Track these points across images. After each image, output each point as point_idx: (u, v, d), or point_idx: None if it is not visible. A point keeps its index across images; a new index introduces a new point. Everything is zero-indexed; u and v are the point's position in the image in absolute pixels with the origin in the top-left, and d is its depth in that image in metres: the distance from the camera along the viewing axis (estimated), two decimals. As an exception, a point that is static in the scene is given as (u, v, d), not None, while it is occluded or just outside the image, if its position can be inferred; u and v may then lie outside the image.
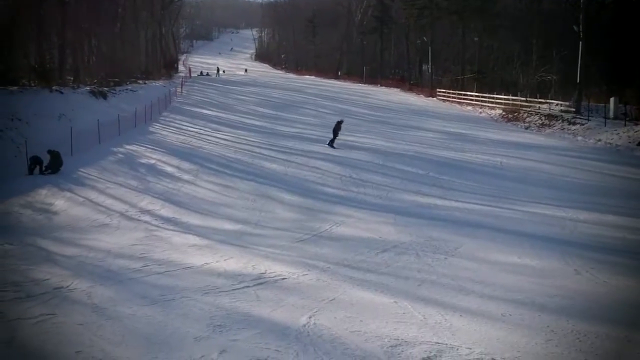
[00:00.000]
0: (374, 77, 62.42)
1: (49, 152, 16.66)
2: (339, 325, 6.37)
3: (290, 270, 8.77)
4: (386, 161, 20.83)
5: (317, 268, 9.02)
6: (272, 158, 19.84)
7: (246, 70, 61.87)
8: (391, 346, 5.71)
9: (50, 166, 16.47)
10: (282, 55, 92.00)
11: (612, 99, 36.90)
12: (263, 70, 74.26)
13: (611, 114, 35.27)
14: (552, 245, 11.03)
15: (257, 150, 21.11)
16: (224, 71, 65.00)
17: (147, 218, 12.51)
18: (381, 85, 58.38)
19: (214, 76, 59.09)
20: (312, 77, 66.67)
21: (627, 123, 32.69)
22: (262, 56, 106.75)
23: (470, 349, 5.64)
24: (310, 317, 6.59)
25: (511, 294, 7.86)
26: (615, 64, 42.98)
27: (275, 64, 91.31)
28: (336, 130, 22.56)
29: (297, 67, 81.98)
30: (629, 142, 29.96)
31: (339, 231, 11.89)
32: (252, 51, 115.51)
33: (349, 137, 25.68)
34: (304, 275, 8.60)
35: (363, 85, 58.65)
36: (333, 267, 9.14)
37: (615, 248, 11.04)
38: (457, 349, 5.62)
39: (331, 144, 22.08)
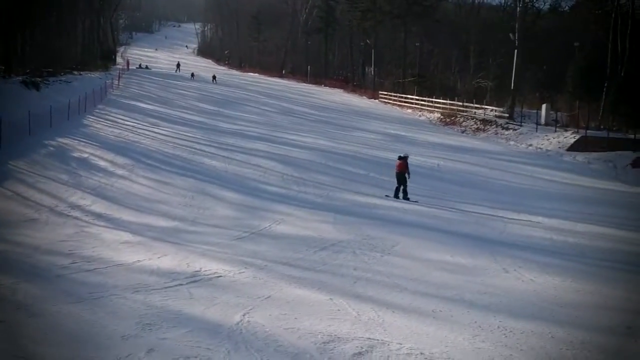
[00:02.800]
0: (318, 77, 62.64)
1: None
2: (273, 322, 6.34)
3: (227, 268, 8.66)
4: (328, 160, 20.95)
5: (254, 266, 8.94)
6: (212, 155, 19.56)
7: (178, 64, 59.18)
8: (324, 342, 5.73)
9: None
10: (226, 52, 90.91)
11: (543, 106, 38.53)
12: (205, 66, 73.05)
13: (542, 120, 36.83)
14: (483, 244, 11.40)
15: (197, 146, 20.75)
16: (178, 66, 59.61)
17: (77, 214, 12.05)
18: (325, 86, 58.65)
19: (174, 72, 55.67)
20: (256, 74, 66.15)
21: (557, 129, 34.21)
22: (204, 51, 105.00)
23: (401, 344, 5.73)
24: (244, 315, 6.52)
25: (442, 290, 8.06)
26: (547, 72, 44.92)
27: (218, 59, 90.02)
28: (403, 173, 16.10)
29: (241, 64, 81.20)
30: (559, 147, 31.37)
31: (279, 229, 11.85)
32: (195, 46, 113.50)
33: (291, 136, 25.69)
34: (240, 273, 8.51)
35: (307, 84, 58.77)
36: (270, 265, 9.10)
37: (543, 248, 11.53)
38: (388, 344, 5.71)
39: (400, 194, 15.99)
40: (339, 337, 5.88)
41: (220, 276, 8.23)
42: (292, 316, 6.56)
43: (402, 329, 6.30)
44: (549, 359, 5.61)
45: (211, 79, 48.64)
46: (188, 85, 43.79)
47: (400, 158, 16.59)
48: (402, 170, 16.19)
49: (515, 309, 7.29)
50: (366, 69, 61.59)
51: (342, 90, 55.55)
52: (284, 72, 68.93)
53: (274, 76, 64.81)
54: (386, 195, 15.75)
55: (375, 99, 50.89)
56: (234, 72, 64.21)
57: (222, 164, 18.34)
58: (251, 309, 6.75)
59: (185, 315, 6.54)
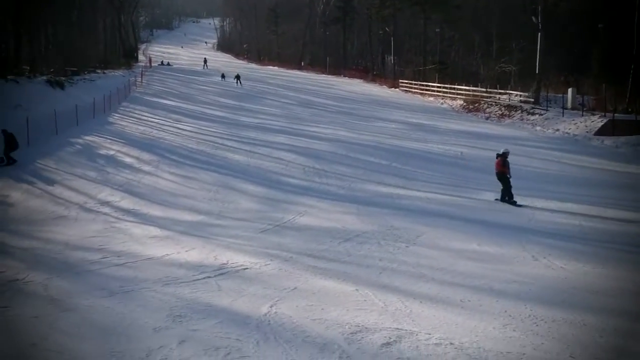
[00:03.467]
0: (337, 67, 62.44)
1: (3, 132, 16.11)
2: (300, 313, 6.37)
3: (253, 260, 8.72)
4: (349, 152, 20.89)
5: (279, 258, 8.99)
6: (235, 149, 19.66)
7: (205, 60, 59.36)
8: (351, 333, 5.73)
9: (6, 147, 15.96)
10: (245, 45, 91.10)
11: (569, 90, 37.80)
12: (226, 61, 73.33)
13: (569, 104, 36.15)
14: (510, 232, 11.27)
15: (220, 141, 20.88)
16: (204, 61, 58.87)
17: (106, 210, 12.24)
18: (344, 76, 58.45)
19: (202, 68, 55.60)
20: (275, 67, 66.21)
21: (584, 113, 33.56)
22: (224, 46, 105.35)
23: (430, 334, 5.71)
24: (271, 306, 6.56)
25: (470, 280, 8.00)
26: (572, 55, 44.04)
27: (237, 54, 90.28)
28: (504, 173, 14.39)
29: (260, 57, 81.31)
30: (586, 132, 30.78)
31: (302, 221, 11.87)
32: (214, 41, 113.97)
33: (312, 128, 25.69)
34: (266, 265, 8.56)
35: (326, 75, 58.62)
36: (295, 256, 9.13)
37: (572, 235, 11.35)
38: (417, 335, 5.68)
39: (507, 198, 14.32)
40: (366, 328, 5.88)
41: (247, 268, 8.29)
42: (318, 307, 6.57)
43: (430, 319, 6.27)
44: (581, 346, 5.53)
45: (235, 80, 41.73)
46: (209, 80, 44.00)
47: (498, 156, 14.72)
48: (502, 170, 14.35)
49: (546, 297, 7.20)
50: (386, 58, 61.15)
51: (361, 80, 55.29)
52: (302, 64, 68.84)
53: (293, 68, 64.82)
54: (495, 199, 14.26)
55: (395, 88, 50.52)
56: (253, 65, 64.38)
57: (245, 157, 18.43)
58: (278, 301, 6.79)
59: (215, 307, 6.61)
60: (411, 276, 8.25)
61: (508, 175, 14.41)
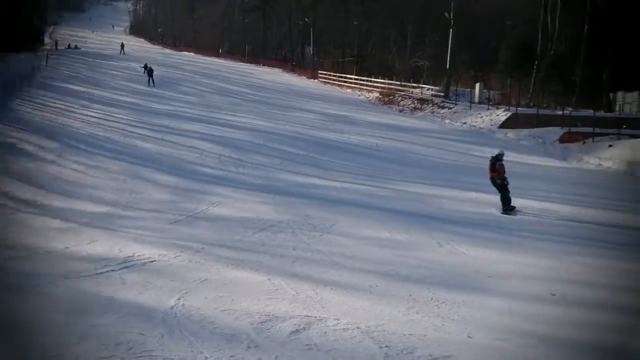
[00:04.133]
0: (256, 56, 61.86)
1: None
2: (209, 305, 6.27)
3: (161, 252, 8.48)
4: (267, 141, 20.79)
5: (190, 249, 8.80)
6: (146, 137, 19.02)
7: (123, 45, 56.58)
8: (261, 322, 5.72)
9: None
10: (159, 30, 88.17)
11: (477, 85, 39.58)
12: (138, 45, 70.66)
13: (476, 98, 37.85)
14: (419, 220, 11.66)
15: (129, 128, 20.12)
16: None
17: (2, 200, 11.48)
18: (263, 65, 58.01)
19: (119, 53, 52.54)
20: (192, 53, 64.45)
21: (490, 107, 35.26)
22: (137, 30, 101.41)
23: (338, 319, 5.80)
24: (179, 299, 6.42)
25: (379, 266, 8.21)
26: (481, 51, 46.06)
27: (151, 38, 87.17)
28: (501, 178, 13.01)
29: (175, 42, 79.02)
30: (491, 125, 32.36)
31: (216, 212, 11.70)
32: (127, 24, 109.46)
33: (228, 117, 25.33)
34: (175, 257, 8.36)
35: (245, 64, 57.91)
36: (207, 247, 8.98)
37: (475, 222, 11.90)
38: (326, 321, 5.76)
39: (507, 207, 12.87)
40: (276, 317, 5.89)
41: (155, 261, 8.06)
42: (229, 298, 6.51)
43: (340, 306, 6.37)
44: (478, 326, 5.81)
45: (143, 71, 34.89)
46: (119, 65, 42.24)
47: (498, 159, 13.23)
48: (498, 175, 12.95)
49: (448, 281, 7.51)
50: (305, 49, 61.28)
51: (281, 70, 55.12)
52: (220, 51, 67.58)
53: (210, 55, 63.42)
54: (504, 213, 12.68)
55: (314, 78, 50.76)
56: (168, 51, 62.43)
57: (157, 146, 17.88)
58: (186, 293, 6.66)
59: (118, 301, 6.37)
60: (324, 264, 8.34)
61: (504, 181, 12.96)
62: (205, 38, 73.50)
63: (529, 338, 5.55)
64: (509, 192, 12.90)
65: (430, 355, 4.98)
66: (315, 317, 5.90)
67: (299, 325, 5.65)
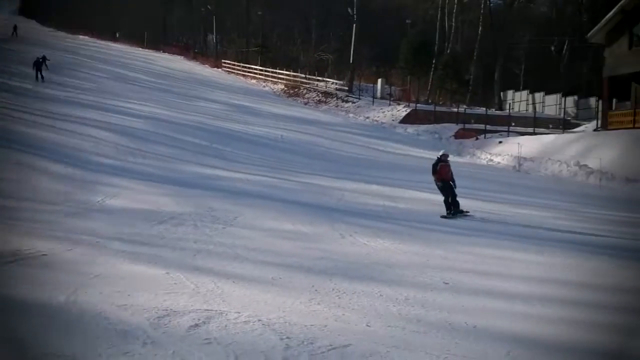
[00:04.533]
0: (157, 42, 59.67)
1: None
2: (104, 300, 5.99)
3: (52, 246, 7.99)
4: (168, 131, 20.23)
5: (84, 243, 8.36)
6: (35, 124, 17.82)
7: (15, 27, 51.63)
8: (158, 317, 5.55)
9: None
10: (52, 12, 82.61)
11: (379, 80, 40.71)
12: (29, 27, 65.87)
13: (378, 94, 38.96)
14: (322, 212, 11.83)
15: (17, 114, 18.76)
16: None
17: None
18: (164, 52, 56.16)
19: (11, 35, 47.77)
20: (86, 37, 61.04)
21: (391, 103, 36.44)
22: (28, 11, 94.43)
23: (239, 312, 5.75)
24: (70, 295, 6.07)
25: (282, 258, 8.23)
26: (383, 47, 47.37)
27: (43, 20, 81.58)
28: (448, 181, 12.38)
29: (70, 25, 74.36)
30: (392, 120, 33.48)
31: (113, 203, 11.21)
32: (16, 5, 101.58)
33: (126, 104, 24.32)
34: (68, 251, 7.90)
35: (144, 50, 55.71)
36: (103, 241, 8.58)
37: (377, 214, 12.27)
38: (226, 314, 5.69)
39: (453, 210, 12.20)
40: (174, 311, 5.73)
41: (45, 255, 7.57)
42: (124, 293, 6.25)
43: (241, 298, 6.32)
44: (377, 315, 5.99)
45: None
46: (4, 47, 39.18)
47: (440, 160, 12.53)
48: (446, 178, 12.31)
49: (350, 272, 7.68)
50: (208, 36, 60.02)
51: (182, 57, 53.67)
52: (117, 35, 64.46)
53: (106, 40, 60.33)
54: (442, 216, 12.08)
55: (218, 67, 49.92)
56: (61, 34, 58.73)
57: (47, 133, 16.82)
58: (79, 288, 6.31)
59: (3, 299, 5.91)
60: (226, 257, 8.23)
61: (446, 184, 12.35)
62: (101, 21, 69.71)
63: (423, 325, 5.79)
64: (450, 196, 12.15)
65: (330, 345, 5.06)
66: (216, 310, 5.81)
67: (198, 319, 5.54)
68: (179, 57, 53.70)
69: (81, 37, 60.32)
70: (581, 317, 6.29)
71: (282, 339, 5.13)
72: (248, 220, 10.71)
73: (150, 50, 55.79)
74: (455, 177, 12.44)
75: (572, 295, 7.13)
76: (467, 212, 12.26)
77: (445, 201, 12.31)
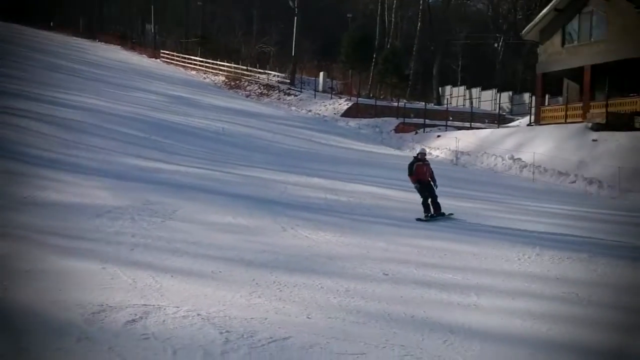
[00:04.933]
0: (93, 31, 57.57)
1: None
2: (35, 297, 5.75)
3: (-23, 241, 7.59)
4: (103, 122, 19.58)
5: (12, 237, 7.99)
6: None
7: None
8: (93, 313, 5.37)
9: None
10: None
11: (321, 74, 40.81)
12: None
13: (320, 87, 39.08)
14: (264, 205, 11.77)
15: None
16: None
17: None
18: (100, 41, 54.27)
19: None
20: (15, 25, 58.13)
21: (333, 96, 36.63)
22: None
23: (178, 307, 5.65)
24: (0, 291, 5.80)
25: (223, 252, 8.14)
26: (324, 41, 47.54)
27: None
28: (415, 178, 11.78)
29: (1, 13, 70.58)
30: (334, 114, 33.67)
31: (45, 196, 10.74)
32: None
33: (59, 94, 23.36)
34: (-8, 247, 7.53)
35: (79, 39, 53.64)
36: (33, 235, 8.22)
37: (318, 207, 12.32)
38: (165, 309, 5.58)
39: (433, 213, 11.56)
40: (110, 307, 5.57)
41: (-31, 251, 7.20)
42: (58, 288, 6.02)
43: (180, 293, 6.21)
44: (318, 307, 6.02)
45: None
46: None
47: (417, 159, 11.90)
48: (423, 179, 11.67)
49: (291, 265, 7.68)
50: (146, 26, 58.45)
51: (120, 47, 52.05)
52: (52, 24, 61.78)
53: (39, 28, 57.70)
54: (418, 219, 11.44)
55: (156, 58, 48.77)
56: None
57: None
58: (7, 285, 6.03)
59: None
60: (164, 251, 8.06)
61: (434, 184, 11.73)
62: (32, 8, 66.50)
63: (363, 315, 5.87)
64: (430, 197, 11.54)
65: (271, 338, 5.05)
66: (154, 305, 5.69)
67: (136, 314, 5.40)
68: (115, 46, 52.08)
69: (15, 25, 57.40)
70: (513, 306, 6.54)
71: (221, 333, 5.08)
72: (188, 213, 10.52)
73: (86, 40, 53.80)
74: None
75: (505, 285, 7.40)
76: (450, 214, 11.59)
77: (424, 203, 11.53)
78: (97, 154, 15.23)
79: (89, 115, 20.01)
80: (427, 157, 12.96)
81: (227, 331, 5.12)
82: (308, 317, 5.68)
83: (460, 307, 6.40)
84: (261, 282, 6.78)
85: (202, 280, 6.77)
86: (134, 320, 5.28)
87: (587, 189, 19.23)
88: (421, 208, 11.61)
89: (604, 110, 24.14)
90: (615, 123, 22.64)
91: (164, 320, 5.33)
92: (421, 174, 11.70)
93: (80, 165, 13.75)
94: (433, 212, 11.52)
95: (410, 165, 11.86)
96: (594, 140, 22.06)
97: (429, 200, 11.54)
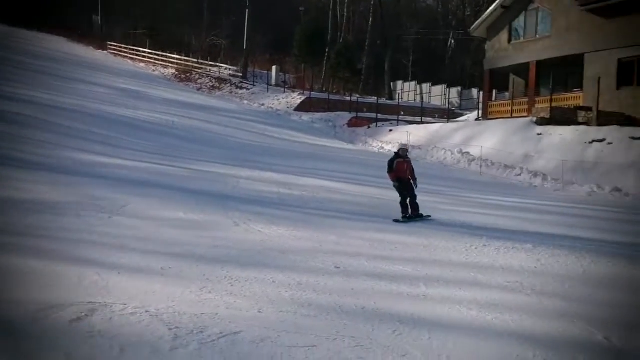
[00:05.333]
0: (36, 23, 55.37)
1: None
2: (-28, 298, 5.52)
3: None
4: (46, 115, 18.95)
5: (-51, 236, 7.64)
6: None
7: None
8: (37, 311, 5.19)
9: None
10: None
11: (273, 67, 40.64)
12: None
13: (273, 81, 38.91)
14: (216, 200, 11.63)
15: None
16: None
17: None
18: (43, 32, 52.36)
19: None
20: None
21: (286, 90, 36.54)
22: None
23: (125, 304, 5.53)
24: None
25: (173, 248, 8.00)
26: (277, 34, 47.29)
27: None
28: (395, 175, 11.25)
29: None
30: (287, 108, 33.60)
31: (-18, 193, 10.29)
32: None
33: None
34: None
35: (20, 29, 51.57)
36: (-29, 233, 7.87)
37: (271, 201, 12.28)
38: (111, 306, 5.44)
39: (411, 213, 11.09)
40: (55, 305, 5.39)
41: None
42: (-2, 288, 5.80)
43: (128, 290, 6.07)
44: (269, 301, 6.00)
45: None
46: None
47: (398, 156, 11.35)
48: (403, 177, 11.14)
49: (243, 259, 7.62)
50: (93, 17, 56.76)
51: (65, 38, 50.38)
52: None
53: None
54: (396, 220, 10.94)
55: (104, 50, 47.49)
56: None
57: None
58: (-57, 286, 5.77)
59: None
60: (112, 248, 7.85)
61: (413, 182, 11.21)
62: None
63: (314, 309, 5.89)
64: (409, 197, 11.03)
65: (221, 333, 5.00)
66: (100, 303, 5.54)
67: (81, 312, 5.25)
68: (61, 38, 50.37)
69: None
70: (460, 296, 6.70)
71: (170, 329, 5.00)
72: (136, 209, 10.28)
73: (29, 31, 51.78)
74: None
75: (453, 275, 7.57)
76: (428, 216, 11.15)
77: (402, 203, 10.99)
78: (40, 148, 14.72)
79: (32, 109, 19.30)
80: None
81: (177, 327, 5.05)
82: (259, 312, 5.66)
83: (410, 297, 6.50)
84: (212, 277, 6.71)
85: (150, 276, 6.64)
86: (79, 319, 5.13)
87: (532, 182, 19.88)
88: (397, 207, 11.11)
89: (548, 105, 24.98)
90: (559, 117, 23.48)
91: (110, 318, 5.21)
92: (402, 172, 11.15)
93: (22, 160, 13.25)
94: (411, 213, 11.04)
95: (391, 162, 11.25)
96: (538, 135, 22.81)
97: (408, 200, 11.04)
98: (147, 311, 5.38)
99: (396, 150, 11.63)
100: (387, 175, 11.36)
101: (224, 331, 5.05)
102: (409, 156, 11.90)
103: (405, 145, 11.77)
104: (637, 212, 14.86)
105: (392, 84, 44.27)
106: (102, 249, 7.72)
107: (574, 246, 9.61)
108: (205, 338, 4.89)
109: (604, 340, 5.54)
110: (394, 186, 11.22)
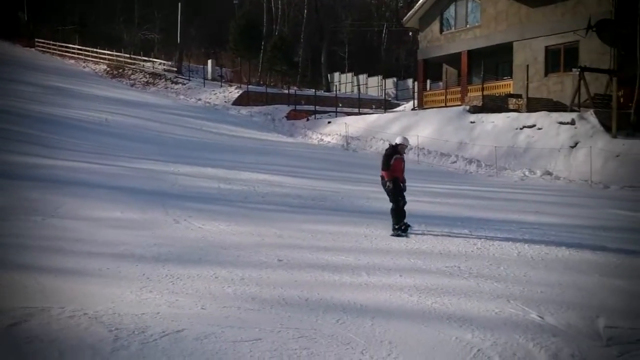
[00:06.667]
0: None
1: None
2: None
3: None
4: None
5: None
6: None
7: None
8: (-31, 320, 4.98)
9: None
10: None
11: (209, 61, 40.06)
12: None
13: (209, 75, 38.36)
14: (155, 198, 11.42)
15: None
16: None
17: None
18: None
19: None
20: None
21: (222, 84, 36.14)
22: None
23: (63, 307, 5.36)
24: None
25: (111, 248, 7.81)
26: (212, 28, 46.63)
27: None
28: (390, 174, 9.30)
29: None
30: (225, 102, 33.26)
31: None
32: None
33: None
34: None
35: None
36: None
37: (212, 197, 12.17)
38: (48, 310, 5.27)
39: (400, 227, 9.35)
40: (-12, 312, 5.18)
41: None
42: None
43: (65, 293, 5.90)
44: (212, 297, 5.98)
45: None
46: None
47: (396, 151, 9.39)
48: (400, 177, 9.32)
49: (184, 256, 7.54)
50: (19, 14, 54.13)
51: (-13, 35, 47.86)
52: None
53: None
54: (393, 235, 9.35)
55: (31, 47, 45.51)
56: None
57: None
58: None
59: None
60: (46, 250, 7.60)
61: (402, 184, 9.38)
62: None
63: (258, 302, 5.91)
64: (402, 202, 9.32)
65: (163, 332, 4.95)
66: (36, 307, 5.36)
67: (16, 318, 5.06)
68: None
69: None
70: (401, 282, 6.88)
71: (110, 331, 4.90)
72: (71, 210, 9.97)
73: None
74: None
75: (393, 262, 7.75)
76: (409, 225, 9.47)
77: (396, 210, 9.27)
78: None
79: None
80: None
81: (117, 328, 4.95)
82: (202, 308, 5.63)
83: (352, 286, 6.62)
84: (152, 276, 6.61)
85: (88, 278, 6.47)
86: (14, 324, 4.95)
87: (467, 168, 20.56)
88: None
89: (480, 93, 25.82)
90: (491, 105, 24.32)
91: (48, 322, 5.05)
92: (399, 171, 9.27)
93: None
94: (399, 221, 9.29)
95: (387, 158, 9.23)
96: (472, 122, 23.55)
97: (398, 205, 9.30)
98: (85, 314, 5.25)
99: (394, 144, 9.44)
100: (381, 173, 9.46)
101: (166, 330, 4.99)
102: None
103: (407, 139, 9.58)
104: (567, 195, 15.64)
105: (329, 75, 44.52)
106: (37, 252, 7.45)
107: (508, 229, 10.03)
108: (147, 338, 4.83)
109: (538, 317, 5.83)
110: (387, 188, 9.29)
